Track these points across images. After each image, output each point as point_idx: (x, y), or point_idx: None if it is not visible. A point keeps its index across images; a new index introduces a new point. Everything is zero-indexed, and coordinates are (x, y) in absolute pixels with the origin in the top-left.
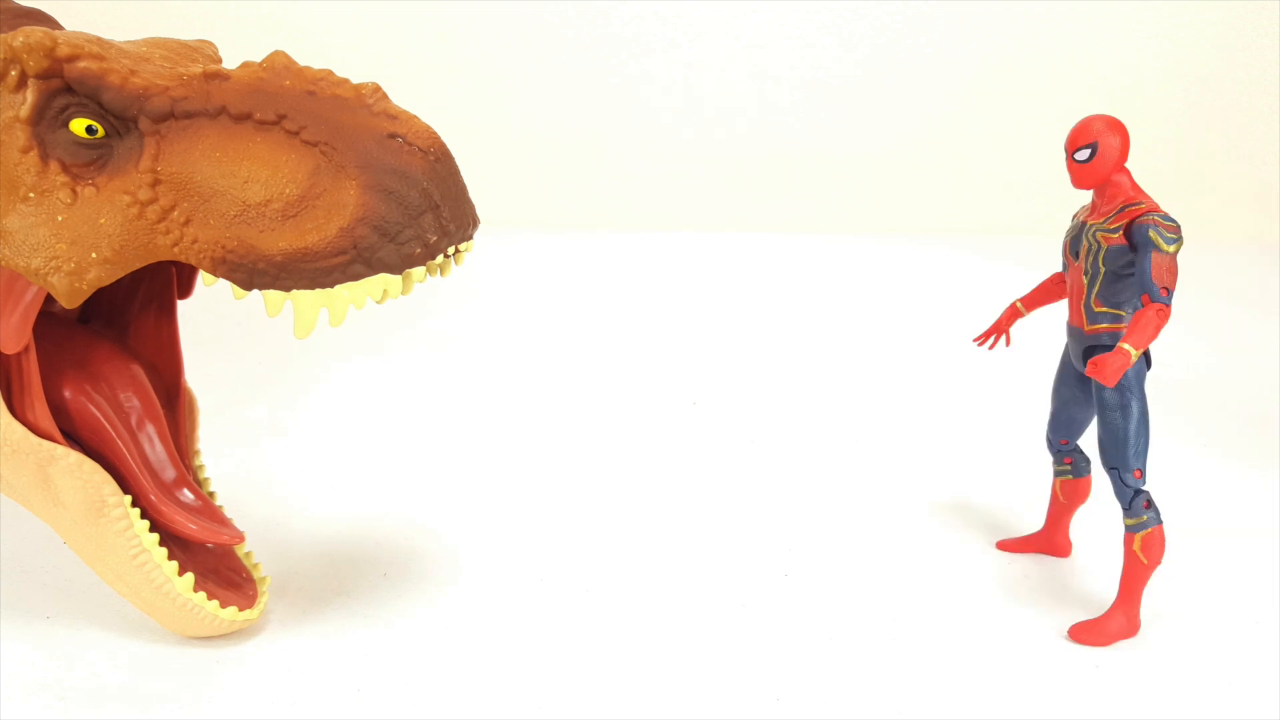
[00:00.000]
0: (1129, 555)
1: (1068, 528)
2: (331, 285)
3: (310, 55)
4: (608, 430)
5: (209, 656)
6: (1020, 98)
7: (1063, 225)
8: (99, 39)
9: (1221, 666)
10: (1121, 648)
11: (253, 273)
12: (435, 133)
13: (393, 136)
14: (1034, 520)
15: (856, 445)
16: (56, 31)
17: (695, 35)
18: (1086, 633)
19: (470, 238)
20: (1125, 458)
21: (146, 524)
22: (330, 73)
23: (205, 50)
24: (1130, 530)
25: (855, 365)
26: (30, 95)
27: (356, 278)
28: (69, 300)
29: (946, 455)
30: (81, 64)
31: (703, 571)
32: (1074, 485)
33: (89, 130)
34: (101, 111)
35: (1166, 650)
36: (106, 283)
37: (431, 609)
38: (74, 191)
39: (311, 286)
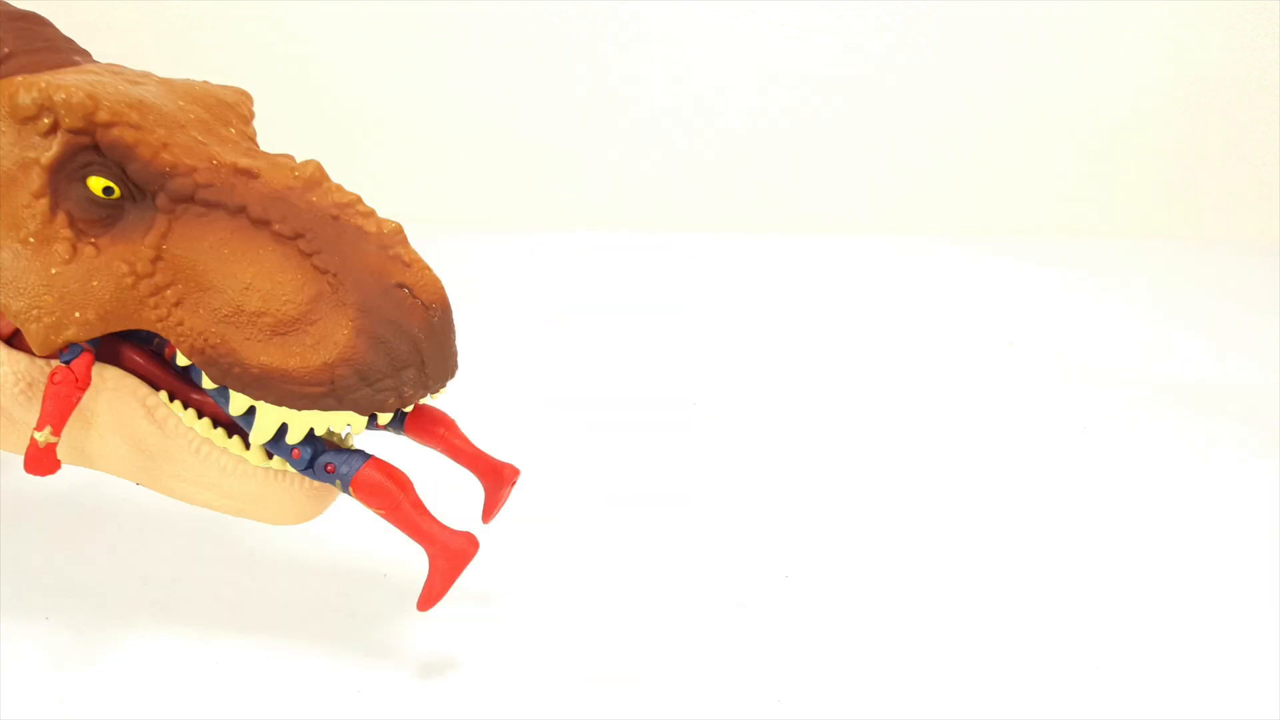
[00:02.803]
0: None
1: None
2: (298, 409)
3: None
4: (607, 430)
5: (209, 657)
6: (1021, 98)
7: (1063, 225)
8: (139, 102)
9: (1221, 666)
10: (1121, 648)
11: (227, 374)
12: (442, 287)
13: (400, 286)
14: None
15: (858, 445)
16: (98, 90)
17: (695, 35)
18: None
19: (445, 387)
20: None
21: (193, 412)
22: (359, 200)
23: (240, 109)
24: None
25: (856, 365)
26: (57, 145)
27: (325, 410)
28: (39, 349)
29: (956, 456)
30: (115, 131)
31: (703, 572)
32: None
33: (106, 191)
34: (123, 175)
35: (1167, 650)
36: (80, 340)
37: (431, 610)
38: (74, 248)
39: (279, 405)
